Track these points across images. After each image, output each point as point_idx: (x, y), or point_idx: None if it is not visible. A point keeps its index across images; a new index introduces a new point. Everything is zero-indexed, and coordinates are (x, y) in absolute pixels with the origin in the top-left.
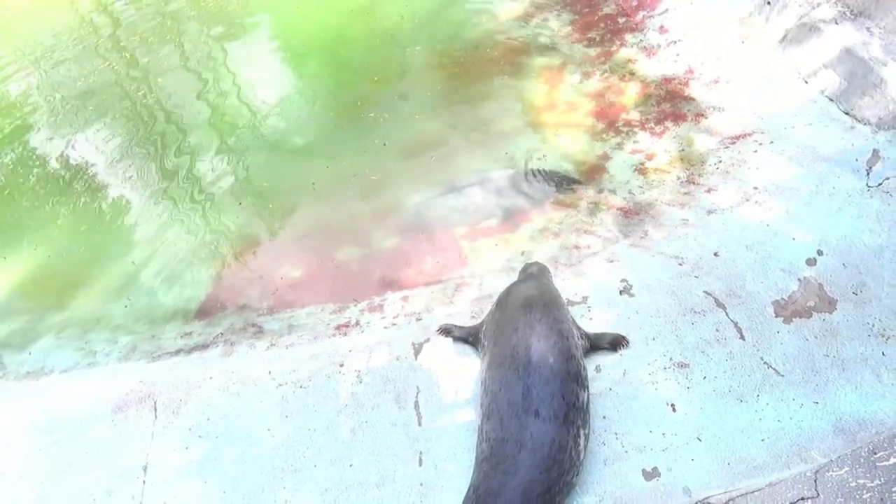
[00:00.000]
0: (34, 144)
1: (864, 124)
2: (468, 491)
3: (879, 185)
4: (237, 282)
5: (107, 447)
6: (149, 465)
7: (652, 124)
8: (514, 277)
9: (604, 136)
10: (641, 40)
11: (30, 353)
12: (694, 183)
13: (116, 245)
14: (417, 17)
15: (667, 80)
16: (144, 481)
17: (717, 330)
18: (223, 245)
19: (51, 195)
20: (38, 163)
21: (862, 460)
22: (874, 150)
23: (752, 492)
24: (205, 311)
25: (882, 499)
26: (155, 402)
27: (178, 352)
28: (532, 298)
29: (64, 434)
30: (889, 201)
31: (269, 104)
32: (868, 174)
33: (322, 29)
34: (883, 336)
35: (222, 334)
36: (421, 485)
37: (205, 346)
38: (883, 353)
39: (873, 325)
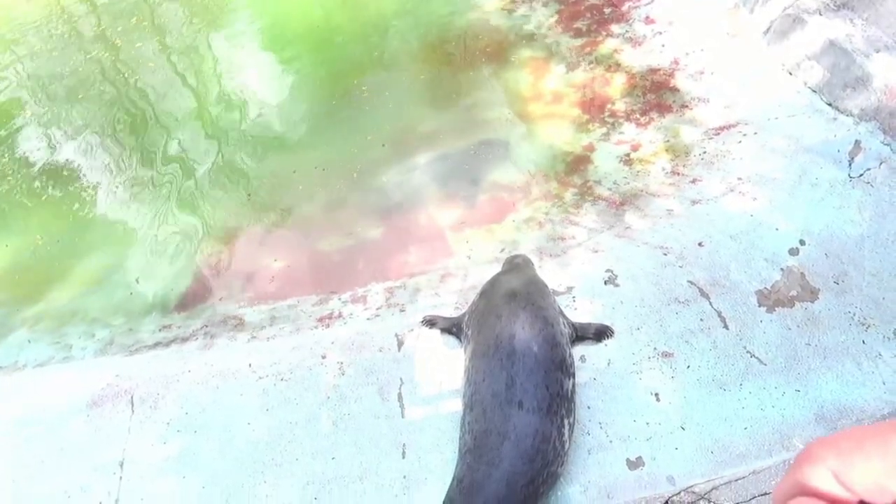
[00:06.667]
0: (10, 136)
1: (847, 115)
2: (452, 483)
3: (861, 175)
4: (218, 273)
5: (82, 443)
6: (125, 461)
7: (637, 115)
8: (500, 268)
9: (589, 126)
10: (627, 31)
11: (7, 347)
12: (679, 173)
13: (94, 237)
14: (401, 6)
15: (652, 70)
16: (121, 477)
17: (700, 319)
18: (204, 236)
19: (27, 186)
20: (14, 155)
21: None
22: (856, 140)
23: (736, 480)
24: (185, 304)
25: None
26: (132, 397)
27: (156, 345)
28: (516, 287)
29: (38, 430)
30: (870, 192)
31: (252, 93)
32: (850, 165)
33: (306, 18)
34: (863, 325)
35: (202, 327)
36: (404, 477)
37: (184, 339)
38: (863, 342)
39: (854, 314)
